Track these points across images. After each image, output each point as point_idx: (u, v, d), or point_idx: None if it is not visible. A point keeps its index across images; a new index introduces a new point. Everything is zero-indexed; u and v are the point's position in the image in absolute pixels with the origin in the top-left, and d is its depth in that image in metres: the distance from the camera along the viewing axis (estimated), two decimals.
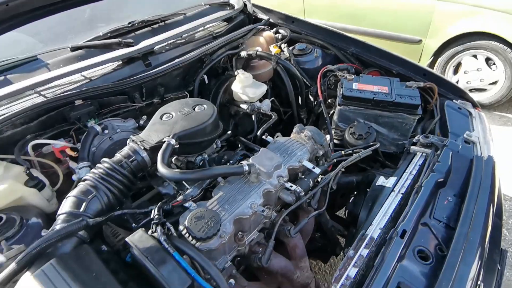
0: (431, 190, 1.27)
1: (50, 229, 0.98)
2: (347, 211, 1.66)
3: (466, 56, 3.61)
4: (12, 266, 0.87)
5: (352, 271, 1.06)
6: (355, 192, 1.69)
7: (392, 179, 1.41)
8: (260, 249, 1.19)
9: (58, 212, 1.04)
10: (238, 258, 1.22)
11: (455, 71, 3.78)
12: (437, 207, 1.23)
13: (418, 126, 1.75)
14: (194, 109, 1.36)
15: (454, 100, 1.77)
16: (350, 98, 1.68)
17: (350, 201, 1.62)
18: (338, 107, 1.73)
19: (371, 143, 1.56)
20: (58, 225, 0.99)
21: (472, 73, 3.69)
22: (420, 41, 3.79)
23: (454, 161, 1.39)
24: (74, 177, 1.26)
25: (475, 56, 3.59)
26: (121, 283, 0.87)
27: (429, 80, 1.81)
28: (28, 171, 1.16)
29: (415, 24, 3.73)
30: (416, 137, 1.57)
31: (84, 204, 1.05)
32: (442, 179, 1.32)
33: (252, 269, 1.29)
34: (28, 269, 0.88)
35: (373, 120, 1.70)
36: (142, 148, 1.22)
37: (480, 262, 1.08)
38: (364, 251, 1.12)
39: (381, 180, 1.44)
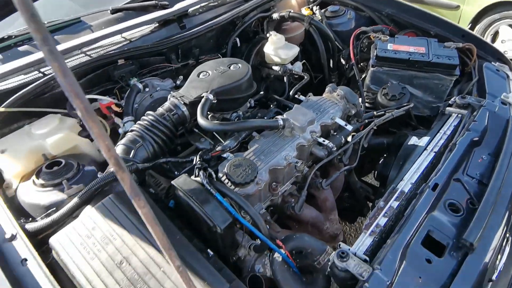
0: (465, 148, 1.27)
1: (104, 172, 1.09)
2: (376, 173, 1.68)
3: (503, 25, 3.43)
4: (75, 200, 0.98)
5: (382, 220, 1.11)
6: (385, 155, 1.70)
7: (425, 139, 1.41)
8: (293, 199, 1.26)
9: None
10: (272, 208, 1.30)
11: (493, 40, 3.58)
12: (470, 164, 1.23)
13: (454, 89, 1.71)
14: (229, 67, 1.41)
15: (492, 62, 1.70)
16: (384, 58, 1.65)
17: (380, 162, 1.64)
18: (371, 69, 1.71)
19: (405, 104, 1.55)
20: (111, 168, 1.09)
21: (509, 42, 3.49)
22: (458, 7, 3.59)
23: (490, 121, 1.37)
24: (120, 130, 1.36)
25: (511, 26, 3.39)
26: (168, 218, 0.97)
27: (468, 41, 1.74)
28: (81, 122, 1.27)
29: None
30: (452, 99, 1.54)
31: (132, 151, 1.15)
32: (477, 138, 1.31)
33: (284, 220, 1.37)
34: (89, 203, 1.00)
35: (408, 81, 1.67)
36: (182, 103, 1.29)
37: (510, 216, 1.09)
38: (394, 203, 1.16)
39: (413, 140, 1.44)
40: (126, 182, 0.31)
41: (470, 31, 1.84)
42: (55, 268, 0.89)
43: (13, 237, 0.91)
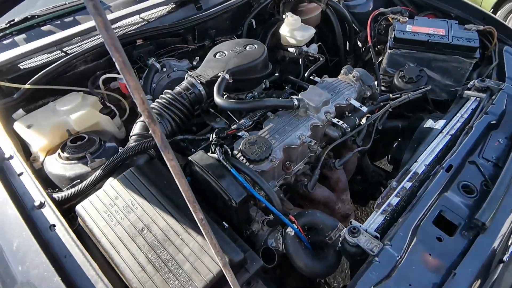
0: (482, 131, 1.26)
1: (125, 147, 1.13)
2: (389, 157, 1.68)
3: None
4: (99, 172, 1.04)
5: (394, 200, 1.12)
6: (399, 139, 1.70)
7: (441, 122, 1.40)
8: (305, 178, 1.28)
9: (131, 134, 1.19)
10: (285, 187, 1.33)
11: None
12: (487, 147, 1.22)
13: (474, 72, 1.67)
14: (245, 48, 1.42)
15: None
16: (402, 40, 1.63)
17: (394, 146, 1.64)
18: (388, 51, 1.69)
19: (422, 87, 1.53)
20: (131, 143, 1.14)
21: None
22: None
23: (509, 104, 1.34)
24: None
25: None
26: None
27: (489, 24, 1.69)
28: (102, 100, 1.32)
29: None
30: (471, 82, 1.52)
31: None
32: (495, 121, 1.29)
33: (296, 199, 1.40)
34: (111, 176, 1.05)
35: (426, 64, 1.64)
36: (199, 82, 1.32)
37: None
38: (407, 184, 1.16)
39: (429, 123, 1.43)
40: (157, 134, 0.34)
41: (491, 14, 1.78)
42: (81, 234, 0.94)
43: (41, 205, 0.97)
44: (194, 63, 1.61)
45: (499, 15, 3.44)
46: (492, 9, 3.46)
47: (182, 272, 0.83)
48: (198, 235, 0.89)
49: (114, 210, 0.93)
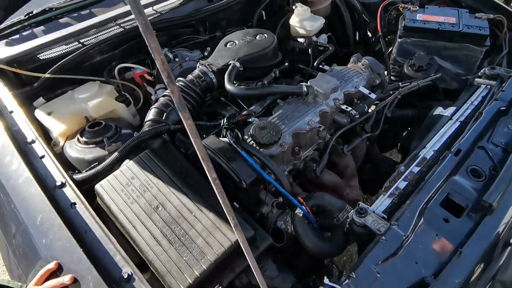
0: (491, 117, 1.26)
1: (141, 131, 1.18)
2: (399, 145, 1.69)
3: None
4: (116, 154, 1.09)
5: (401, 184, 1.14)
6: (409, 128, 1.70)
7: (451, 109, 1.41)
8: (314, 164, 1.31)
9: (145, 120, 1.23)
10: (294, 172, 1.35)
11: None
12: (496, 133, 1.22)
13: (485, 61, 1.66)
14: (255, 37, 1.45)
15: None
16: (413, 29, 1.63)
17: (403, 134, 1.65)
18: (398, 40, 1.69)
19: (432, 75, 1.54)
20: (146, 128, 1.18)
21: None
22: None
23: None
24: (153, 97, 1.45)
25: None
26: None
27: (499, 13, 1.68)
28: (118, 88, 1.37)
29: None
30: (482, 70, 1.51)
31: (165, 114, 1.23)
32: (504, 108, 1.29)
33: (305, 185, 1.42)
34: (127, 158, 1.10)
35: (436, 53, 1.64)
36: (210, 70, 1.35)
37: None
38: (415, 169, 1.18)
39: (439, 110, 1.44)
40: (175, 94, 0.38)
41: (501, 3, 1.76)
42: (100, 212, 0.99)
43: (62, 185, 1.03)
44: (205, 53, 1.65)
45: None
46: (504, 1, 3.40)
47: (195, 246, 0.87)
48: (210, 213, 0.93)
49: (131, 189, 0.98)
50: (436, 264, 0.90)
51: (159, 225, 0.90)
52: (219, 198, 0.47)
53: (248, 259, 0.62)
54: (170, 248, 0.87)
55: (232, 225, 0.51)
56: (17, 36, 1.54)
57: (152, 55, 0.36)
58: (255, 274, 0.64)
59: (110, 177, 1.02)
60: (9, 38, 1.52)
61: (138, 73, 1.52)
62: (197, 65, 1.40)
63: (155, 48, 0.35)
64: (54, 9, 1.58)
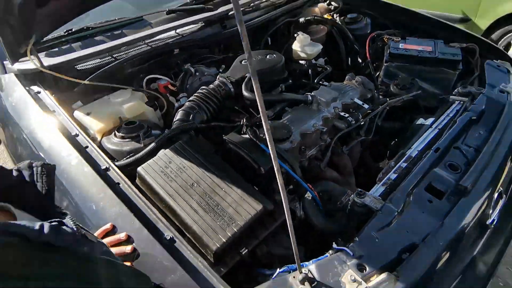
0: (464, 124, 1.51)
1: (170, 130, 1.37)
2: (388, 153, 1.93)
3: None
4: (153, 144, 1.27)
5: (392, 175, 1.35)
6: (396, 139, 1.95)
7: (431, 119, 1.66)
8: (318, 162, 1.52)
9: (174, 120, 1.44)
10: (300, 170, 1.55)
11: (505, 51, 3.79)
12: (468, 137, 1.47)
13: (458, 83, 1.96)
14: (266, 56, 1.71)
15: (494, 60, 1.95)
16: (396, 55, 1.93)
17: (392, 143, 1.89)
18: (384, 64, 1.98)
19: (414, 92, 1.81)
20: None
21: None
22: (469, 20, 3.83)
23: (488, 104, 1.60)
24: (176, 104, 1.66)
25: None
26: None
27: (472, 42, 2.00)
28: (148, 94, 1.58)
29: (464, 3, 3.79)
30: (455, 90, 1.79)
31: (191, 115, 1.44)
32: (475, 117, 1.55)
33: (310, 180, 1.61)
34: (162, 148, 1.28)
35: (417, 75, 1.93)
36: (229, 81, 1.59)
37: (500, 173, 1.32)
38: (403, 164, 1.40)
39: (420, 120, 1.69)
40: (251, 64, 0.59)
41: (474, 33, 2.09)
42: (141, 191, 1.16)
43: (107, 169, 1.20)
44: (220, 70, 1.89)
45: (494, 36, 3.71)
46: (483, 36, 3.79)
47: (226, 214, 1.04)
48: (238, 189, 1.11)
49: (169, 170, 1.16)
50: (423, 233, 1.09)
51: (195, 198, 1.08)
52: (278, 181, 0.67)
53: (288, 225, 0.80)
54: (206, 215, 1.04)
55: (283, 199, 0.70)
56: (57, 49, 1.76)
57: (241, 38, 0.58)
58: (290, 235, 0.82)
59: (150, 161, 1.20)
60: (50, 50, 1.74)
61: (162, 84, 1.74)
62: (218, 77, 1.64)
63: (245, 35, 0.57)
64: (90, 28, 1.82)
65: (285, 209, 0.77)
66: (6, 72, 1.65)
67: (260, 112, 0.62)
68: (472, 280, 1.21)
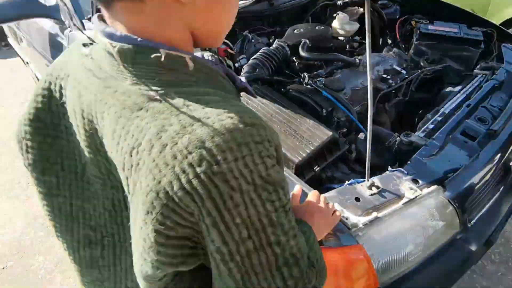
0: (489, 89, 1.76)
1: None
2: (416, 121, 2.16)
3: None
4: None
5: (430, 126, 1.59)
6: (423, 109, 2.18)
7: (458, 87, 1.90)
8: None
9: (241, 74, 1.66)
10: None
11: None
12: (493, 99, 1.71)
13: (480, 61, 2.20)
14: (315, 27, 1.95)
15: (509, 44, 2.21)
16: (426, 34, 2.17)
17: (420, 111, 2.13)
18: (414, 43, 2.22)
19: (444, 64, 2.06)
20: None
21: None
22: None
23: (507, 75, 1.85)
24: (237, 64, 1.89)
25: None
26: None
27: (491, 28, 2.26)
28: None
29: (473, 3, 4.05)
30: (478, 65, 2.04)
31: (257, 69, 1.67)
32: (498, 85, 1.80)
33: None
34: None
35: (443, 53, 2.17)
36: (286, 44, 1.82)
37: None
38: (438, 118, 1.64)
39: (449, 88, 1.93)
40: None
41: (492, 22, 2.35)
42: None
43: None
44: (271, 40, 2.13)
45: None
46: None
47: (304, 138, 1.27)
48: (310, 120, 1.34)
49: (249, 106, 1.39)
50: (463, 161, 1.32)
51: (277, 125, 1.31)
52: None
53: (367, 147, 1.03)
54: (287, 138, 1.27)
55: (368, 132, 0.93)
56: None
57: (366, 30, 0.81)
58: (366, 154, 1.05)
59: None
60: None
61: (222, 48, 1.97)
62: (274, 42, 1.87)
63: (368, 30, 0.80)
64: None
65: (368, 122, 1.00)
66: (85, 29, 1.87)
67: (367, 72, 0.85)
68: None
